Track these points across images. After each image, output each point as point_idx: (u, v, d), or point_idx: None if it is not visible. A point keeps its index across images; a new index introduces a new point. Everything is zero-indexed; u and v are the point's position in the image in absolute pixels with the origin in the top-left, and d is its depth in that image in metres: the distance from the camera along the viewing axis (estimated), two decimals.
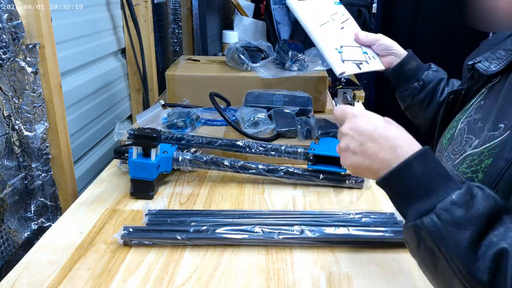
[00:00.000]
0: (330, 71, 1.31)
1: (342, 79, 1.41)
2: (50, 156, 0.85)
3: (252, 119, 1.04)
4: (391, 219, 0.75)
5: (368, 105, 1.55)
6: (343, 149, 0.55)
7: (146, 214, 0.75)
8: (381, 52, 0.99)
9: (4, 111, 0.76)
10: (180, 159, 0.88)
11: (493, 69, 0.70)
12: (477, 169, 0.61)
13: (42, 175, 0.85)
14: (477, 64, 0.73)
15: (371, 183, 0.91)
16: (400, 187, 0.49)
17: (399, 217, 0.72)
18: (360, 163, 0.53)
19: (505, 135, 0.60)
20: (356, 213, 0.76)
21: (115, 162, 0.97)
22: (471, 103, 0.75)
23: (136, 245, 0.70)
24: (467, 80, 0.79)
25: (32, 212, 0.86)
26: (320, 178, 0.89)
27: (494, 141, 0.61)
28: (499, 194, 0.54)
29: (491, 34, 0.85)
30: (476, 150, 0.63)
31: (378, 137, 0.52)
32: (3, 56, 0.74)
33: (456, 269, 0.43)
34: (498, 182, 0.56)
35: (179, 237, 0.69)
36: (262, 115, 1.06)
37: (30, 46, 0.78)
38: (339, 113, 0.58)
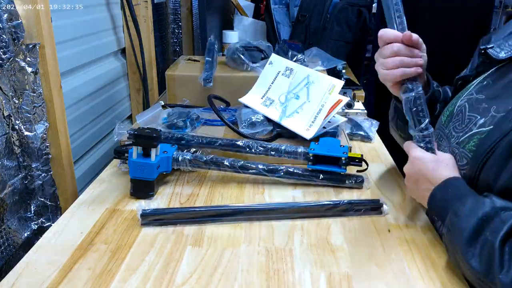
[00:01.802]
0: (330, 71, 1.31)
1: (342, 78, 1.41)
2: (50, 156, 0.85)
3: (249, 119, 1.04)
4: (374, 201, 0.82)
5: (368, 105, 1.55)
6: (406, 184, 0.75)
7: (141, 215, 0.75)
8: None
9: (4, 111, 0.76)
10: (180, 159, 0.88)
11: (504, 55, 0.71)
12: None
13: (42, 175, 0.85)
14: (489, 49, 0.74)
15: (371, 183, 0.91)
16: (435, 212, 0.70)
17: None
18: (417, 196, 0.74)
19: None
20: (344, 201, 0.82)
21: (115, 162, 0.97)
22: (473, 82, 0.76)
23: (137, 244, 0.70)
24: (477, 66, 0.79)
25: (32, 212, 0.86)
26: (320, 178, 0.89)
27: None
28: (487, 165, 0.63)
29: (491, 33, 0.85)
30: (484, 129, 0.65)
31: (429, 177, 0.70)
32: (3, 56, 0.74)
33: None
34: (492, 149, 0.63)
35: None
36: (259, 116, 1.06)
37: (30, 46, 0.78)
38: (406, 151, 0.76)
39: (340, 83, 1.03)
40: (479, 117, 0.67)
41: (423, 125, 0.72)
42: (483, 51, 0.75)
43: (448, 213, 0.63)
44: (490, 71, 0.74)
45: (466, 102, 0.72)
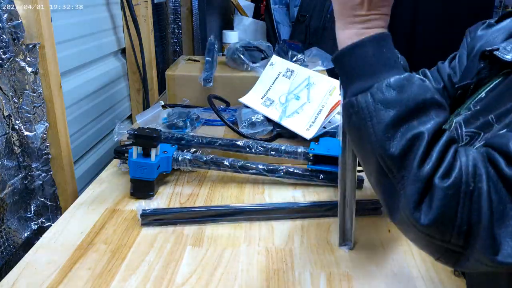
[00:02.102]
0: (330, 71, 1.31)
1: None
2: (50, 156, 0.85)
3: (249, 119, 1.04)
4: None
5: None
6: None
7: (141, 215, 0.75)
8: None
9: (4, 111, 0.76)
10: (180, 159, 0.88)
11: (510, 58, 0.65)
12: None
13: (42, 175, 0.85)
14: (495, 52, 0.68)
15: None
16: (348, 65, 0.50)
17: None
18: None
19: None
20: None
21: (115, 162, 0.97)
22: (474, 95, 0.71)
23: (137, 244, 0.70)
24: (481, 70, 0.72)
25: (32, 212, 0.86)
26: (320, 178, 0.89)
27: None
28: None
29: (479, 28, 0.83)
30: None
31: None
32: (3, 56, 0.74)
33: (374, 143, 0.46)
34: None
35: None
36: (259, 116, 1.06)
37: (30, 46, 0.78)
38: None
39: None
40: (482, 134, 0.62)
41: None
42: (488, 53, 0.70)
43: (371, 81, 0.48)
44: (493, 84, 0.68)
45: (462, 118, 0.67)
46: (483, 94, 0.68)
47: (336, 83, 1.04)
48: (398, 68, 0.48)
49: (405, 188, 0.43)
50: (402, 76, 0.47)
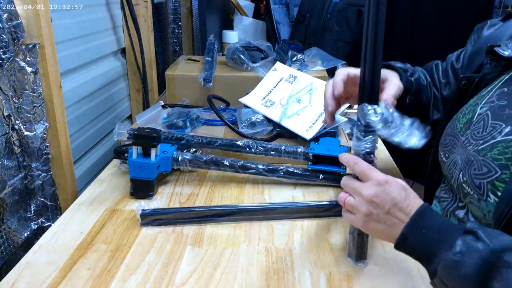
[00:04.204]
0: (330, 71, 1.31)
1: None
2: (50, 156, 0.85)
3: (249, 119, 1.04)
4: None
5: None
6: (365, 214, 0.58)
7: (140, 215, 0.75)
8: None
9: (4, 111, 0.76)
10: (180, 159, 0.88)
11: (508, 54, 0.69)
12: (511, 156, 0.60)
13: (42, 175, 0.85)
14: (495, 48, 0.72)
15: None
16: (410, 254, 0.57)
17: None
18: (381, 230, 0.58)
19: None
20: None
21: (115, 162, 0.97)
22: (488, 88, 0.73)
23: (137, 244, 0.70)
24: (485, 65, 0.76)
25: (32, 212, 0.86)
26: (320, 178, 0.89)
27: None
28: None
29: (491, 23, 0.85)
30: (510, 137, 0.61)
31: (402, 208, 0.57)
32: (3, 56, 0.74)
33: None
34: None
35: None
36: (259, 116, 1.06)
37: (30, 46, 0.77)
38: (359, 170, 0.61)
39: None
40: (504, 125, 0.64)
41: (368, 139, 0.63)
42: (489, 49, 0.73)
43: (434, 259, 0.53)
44: (508, 75, 0.71)
45: (488, 110, 0.69)
46: (505, 89, 0.69)
47: None
48: (443, 241, 0.53)
49: None
50: (454, 250, 0.51)
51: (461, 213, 0.69)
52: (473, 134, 0.68)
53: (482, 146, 0.65)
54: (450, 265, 0.50)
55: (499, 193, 0.59)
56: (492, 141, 0.64)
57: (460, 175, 0.66)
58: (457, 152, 0.70)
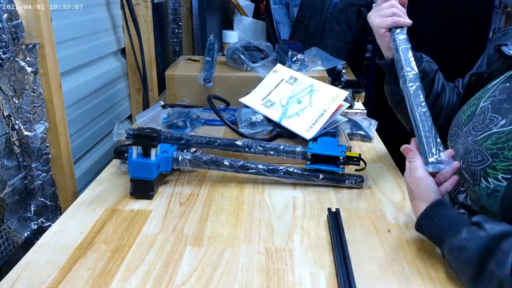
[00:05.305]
0: (330, 71, 1.31)
1: (342, 79, 1.40)
2: (50, 156, 0.85)
3: (249, 119, 1.04)
4: None
5: (368, 105, 1.55)
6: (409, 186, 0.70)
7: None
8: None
9: (4, 111, 0.76)
10: (180, 159, 0.88)
11: None
12: (503, 146, 0.66)
13: (42, 175, 0.85)
14: (503, 47, 0.77)
15: (370, 183, 0.91)
16: (427, 237, 0.68)
17: None
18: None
19: None
20: None
21: (115, 162, 0.97)
22: (493, 83, 0.78)
23: (137, 244, 0.70)
24: (494, 61, 0.82)
25: (32, 212, 0.86)
26: (320, 178, 0.89)
27: None
28: None
29: (491, 33, 0.87)
30: (504, 129, 0.67)
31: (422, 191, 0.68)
32: (3, 56, 0.74)
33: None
34: None
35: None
36: (259, 116, 1.06)
37: (30, 46, 0.77)
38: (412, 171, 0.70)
39: (345, 93, 1.04)
40: (500, 118, 0.69)
41: (441, 157, 0.69)
42: (497, 47, 0.78)
43: (443, 244, 0.62)
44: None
45: (489, 104, 0.74)
46: (507, 84, 0.75)
47: (339, 91, 1.04)
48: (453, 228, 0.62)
49: None
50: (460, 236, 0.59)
51: (461, 197, 0.77)
52: (474, 126, 0.74)
53: (480, 137, 0.71)
54: (454, 249, 0.59)
55: (490, 179, 0.66)
56: (488, 132, 0.70)
57: (461, 163, 0.72)
58: (460, 142, 0.76)
